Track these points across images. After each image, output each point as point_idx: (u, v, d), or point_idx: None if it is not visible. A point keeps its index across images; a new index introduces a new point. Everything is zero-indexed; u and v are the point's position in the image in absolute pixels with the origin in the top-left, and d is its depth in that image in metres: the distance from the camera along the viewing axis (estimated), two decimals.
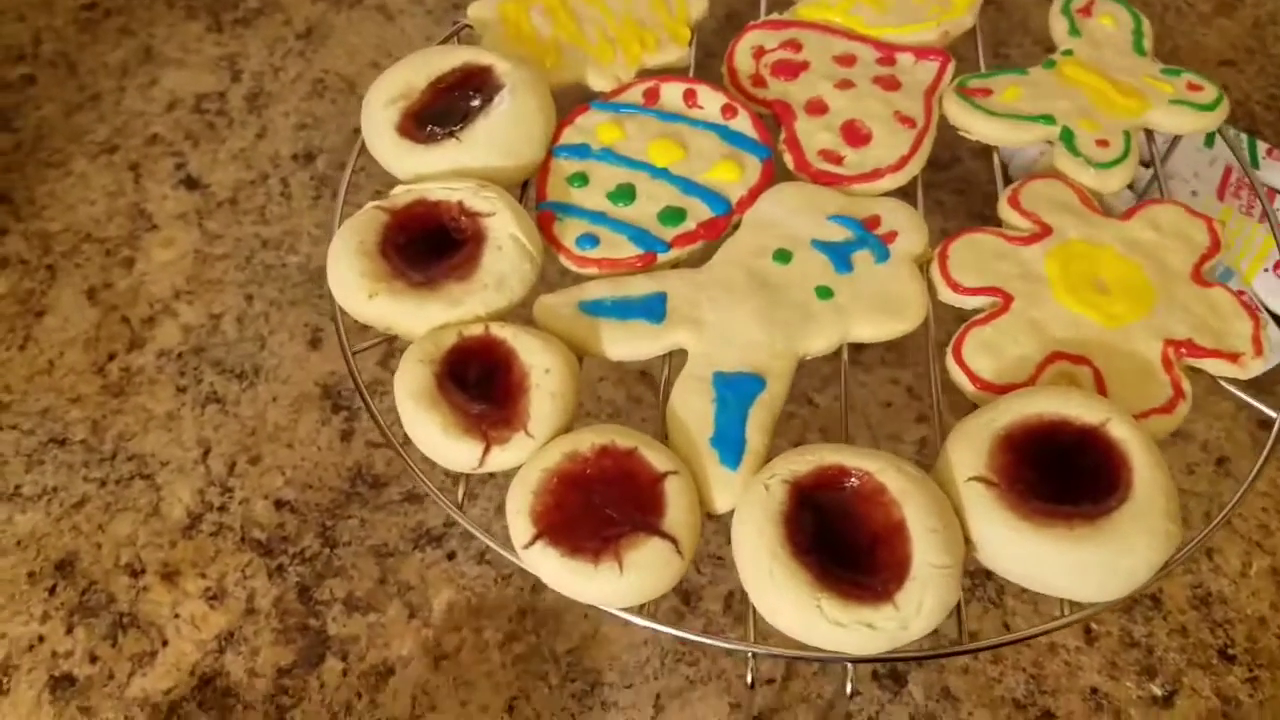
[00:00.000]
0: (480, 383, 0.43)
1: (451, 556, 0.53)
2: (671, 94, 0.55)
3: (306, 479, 0.56)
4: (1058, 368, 0.44)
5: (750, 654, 0.41)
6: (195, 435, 0.58)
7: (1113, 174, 0.51)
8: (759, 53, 0.57)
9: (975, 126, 0.53)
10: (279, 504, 0.55)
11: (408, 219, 0.48)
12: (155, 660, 0.50)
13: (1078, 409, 0.40)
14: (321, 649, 0.51)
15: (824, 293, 0.47)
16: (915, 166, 0.52)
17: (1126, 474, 0.39)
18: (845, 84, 0.54)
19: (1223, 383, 0.46)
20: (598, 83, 0.56)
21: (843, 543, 0.39)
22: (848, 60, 0.55)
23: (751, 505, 0.39)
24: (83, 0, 0.79)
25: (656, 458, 0.41)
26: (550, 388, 0.42)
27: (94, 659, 0.50)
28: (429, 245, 0.47)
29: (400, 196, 0.48)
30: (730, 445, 0.42)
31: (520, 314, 0.46)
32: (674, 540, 0.39)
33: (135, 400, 0.59)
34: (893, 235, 0.48)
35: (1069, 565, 0.38)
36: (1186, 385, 0.44)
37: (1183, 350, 0.45)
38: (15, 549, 0.54)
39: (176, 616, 0.52)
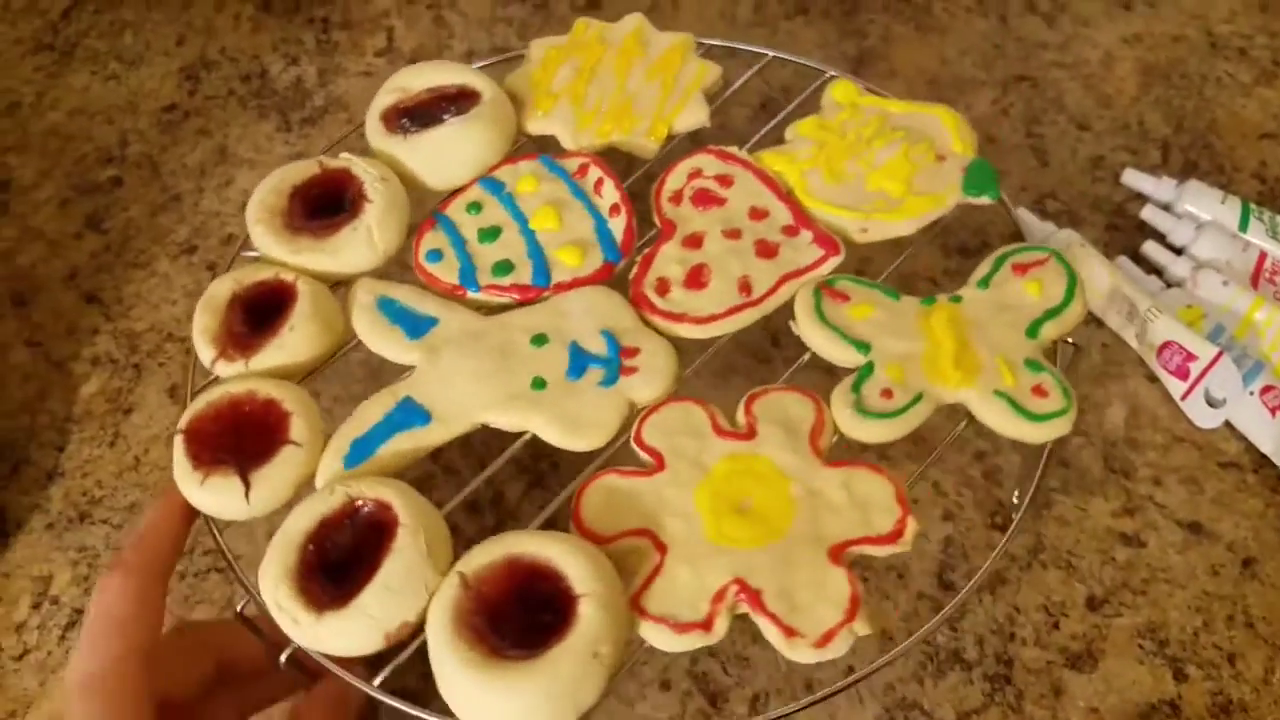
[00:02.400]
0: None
1: None
2: (591, 175, 0.58)
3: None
4: (725, 604, 0.43)
5: None
6: (266, 529, 0.62)
7: (868, 424, 0.47)
8: (694, 174, 0.58)
9: (801, 326, 0.51)
10: None
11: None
12: None
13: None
14: None
15: (538, 383, 0.50)
16: (719, 329, 0.52)
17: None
18: (734, 233, 0.55)
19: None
20: (566, 142, 0.61)
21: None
22: (759, 214, 0.56)
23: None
24: (164, 102, 0.85)
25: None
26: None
27: None
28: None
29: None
30: (359, 451, 0.49)
31: None
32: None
33: None
34: (633, 370, 0.50)
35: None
36: (859, 585, 0.43)
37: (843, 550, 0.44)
38: None
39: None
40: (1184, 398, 0.61)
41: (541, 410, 0.49)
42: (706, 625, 0.42)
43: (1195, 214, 0.67)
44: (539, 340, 0.52)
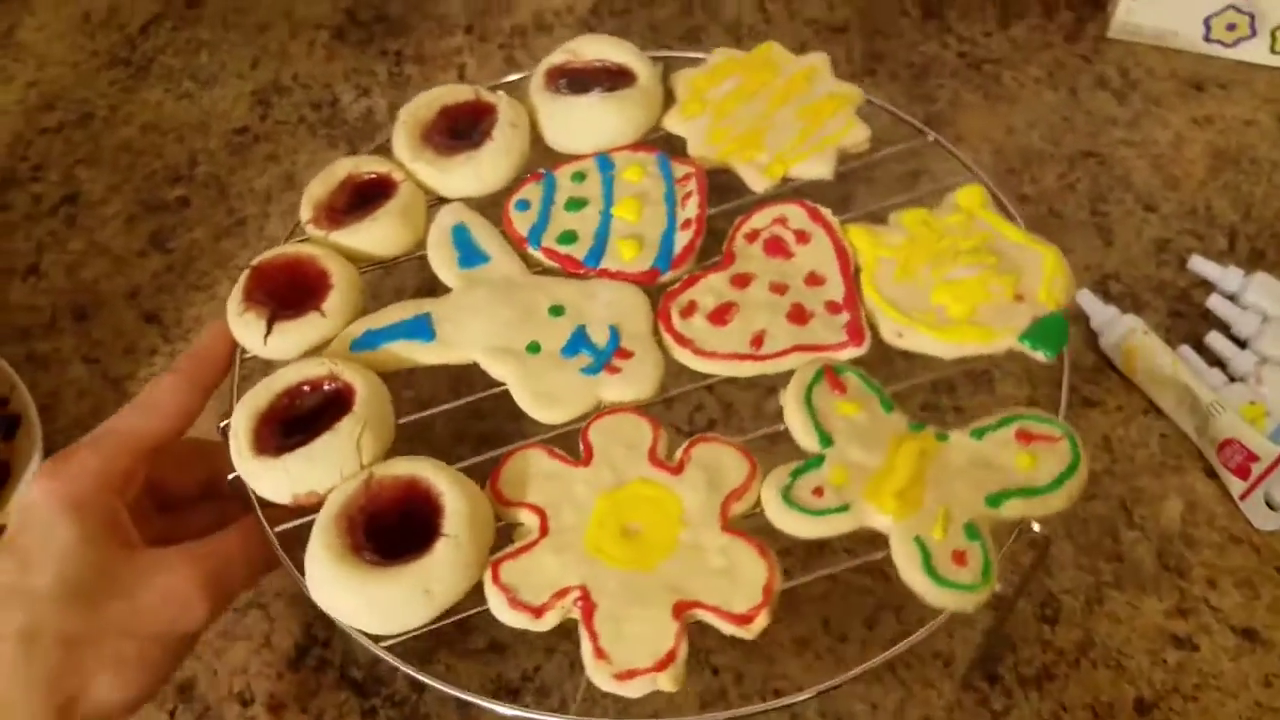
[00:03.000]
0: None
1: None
2: (689, 187, 0.59)
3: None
4: (563, 602, 0.45)
5: None
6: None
7: (786, 513, 0.47)
8: (779, 220, 0.58)
9: (786, 395, 0.50)
10: (376, 640, 0.59)
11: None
12: None
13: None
14: None
15: (533, 347, 0.53)
16: (715, 368, 0.53)
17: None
18: (780, 288, 0.55)
19: None
20: (690, 149, 0.61)
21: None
22: (815, 280, 0.55)
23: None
24: (235, 124, 0.86)
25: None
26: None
27: None
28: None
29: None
30: (368, 340, 0.54)
31: None
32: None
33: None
34: (616, 371, 0.52)
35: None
36: (684, 646, 0.44)
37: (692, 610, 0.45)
38: None
39: None
40: (1243, 497, 0.60)
41: (523, 371, 0.52)
42: (538, 612, 0.45)
43: (1262, 307, 0.66)
44: (556, 310, 0.55)
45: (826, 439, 0.49)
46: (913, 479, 0.47)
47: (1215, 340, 0.65)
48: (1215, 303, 0.67)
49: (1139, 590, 0.58)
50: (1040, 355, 0.51)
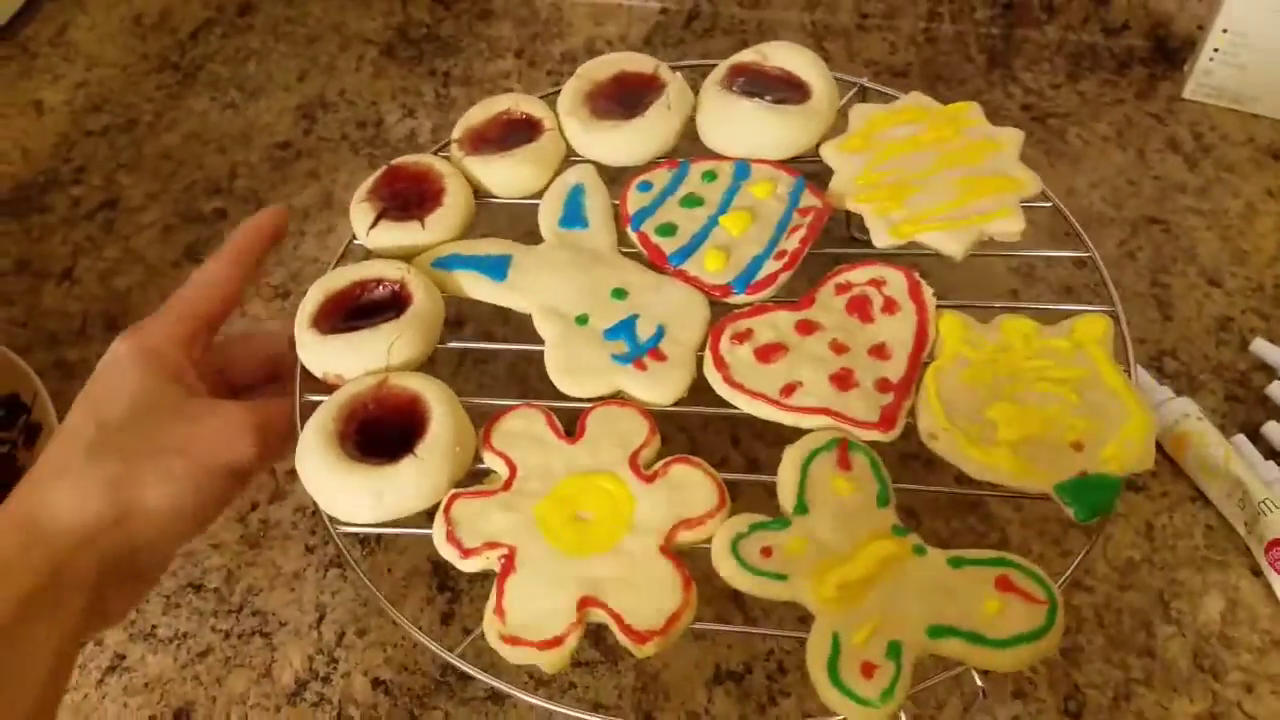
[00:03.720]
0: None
1: None
2: (805, 221, 0.58)
3: (404, 660, 0.58)
4: (490, 554, 0.48)
5: None
6: (314, 599, 0.61)
7: (727, 560, 0.46)
8: (876, 282, 0.56)
9: (788, 454, 0.50)
10: (375, 683, 0.58)
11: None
12: None
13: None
14: None
15: (581, 319, 0.55)
16: (736, 399, 0.52)
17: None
18: (841, 348, 0.53)
19: None
20: (832, 183, 0.60)
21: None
22: (881, 353, 0.53)
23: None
24: (278, 139, 0.85)
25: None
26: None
27: None
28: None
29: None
30: (450, 261, 0.59)
31: None
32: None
33: (267, 554, 0.63)
34: (643, 368, 0.53)
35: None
36: (575, 637, 0.45)
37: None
38: (143, 690, 0.58)
39: None
40: None
41: (563, 338, 0.55)
42: (465, 553, 0.48)
43: None
44: (619, 293, 0.56)
45: (803, 507, 0.47)
46: (861, 580, 0.45)
47: (1273, 431, 0.62)
48: (1277, 390, 0.63)
49: (1170, 690, 0.55)
50: (1072, 513, 0.47)
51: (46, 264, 0.78)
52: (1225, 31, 0.75)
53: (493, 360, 0.69)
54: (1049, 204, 0.59)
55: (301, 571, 0.62)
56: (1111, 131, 0.79)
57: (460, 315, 0.69)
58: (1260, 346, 0.65)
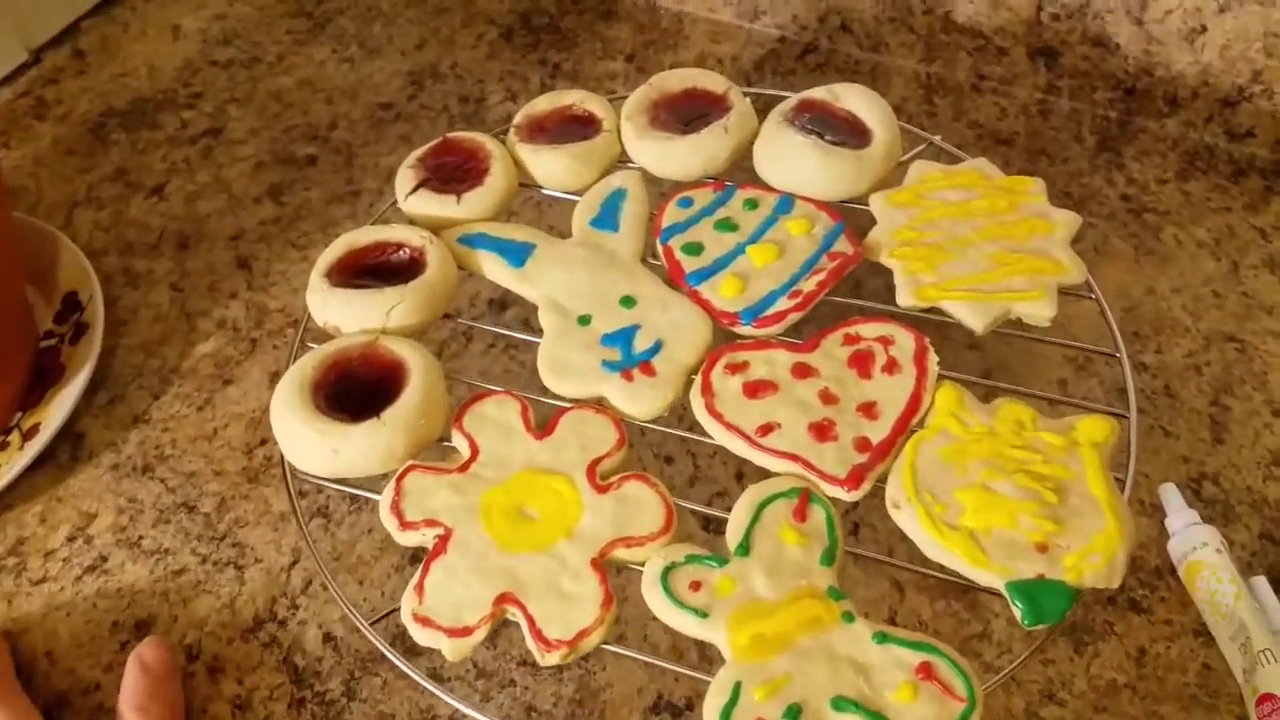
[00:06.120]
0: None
1: None
2: (830, 266, 0.58)
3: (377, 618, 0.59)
4: (427, 531, 0.49)
5: None
6: (293, 543, 0.62)
7: (653, 590, 0.46)
8: (884, 340, 0.55)
9: (744, 496, 0.49)
10: (327, 637, 0.59)
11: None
12: None
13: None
14: None
15: (584, 320, 0.56)
16: (711, 429, 0.52)
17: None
18: (830, 399, 0.52)
19: None
20: (872, 234, 0.60)
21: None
22: (870, 411, 0.51)
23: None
24: (383, 99, 0.88)
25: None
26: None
27: None
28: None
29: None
30: (475, 240, 0.61)
31: None
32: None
33: (262, 491, 0.65)
34: (630, 379, 0.53)
35: None
36: (484, 630, 0.46)
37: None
38: (114, 595, 0.61)
39: (203, 713, 0.56)
40: None
41: (559, 333, 0.55)
42: (404, 526, 0.49)
43: None
44: (627, 301, 0.57)
45: (745, 549, 0.47)
46: (783, 634, 0.44)
47: None
48: None
49: None
50: (1019, 614, 0.45)
51: (142, 177, 0.82)
52: None
53: (525, 350, 0.69)
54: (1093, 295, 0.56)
55: (288, 514, 0.63)
56: (1209, 238, 0.75)
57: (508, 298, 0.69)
58: None
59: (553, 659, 0.44)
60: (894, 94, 0.85)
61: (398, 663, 0.48)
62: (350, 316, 0.55)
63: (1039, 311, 0.53)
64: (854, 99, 0.63)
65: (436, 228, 0.60)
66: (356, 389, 0.53)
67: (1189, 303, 0.72)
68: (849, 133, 0.62)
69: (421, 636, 0.45)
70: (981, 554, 0.45)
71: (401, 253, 0.58)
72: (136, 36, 0.95)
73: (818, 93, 0.64)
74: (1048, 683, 0.55)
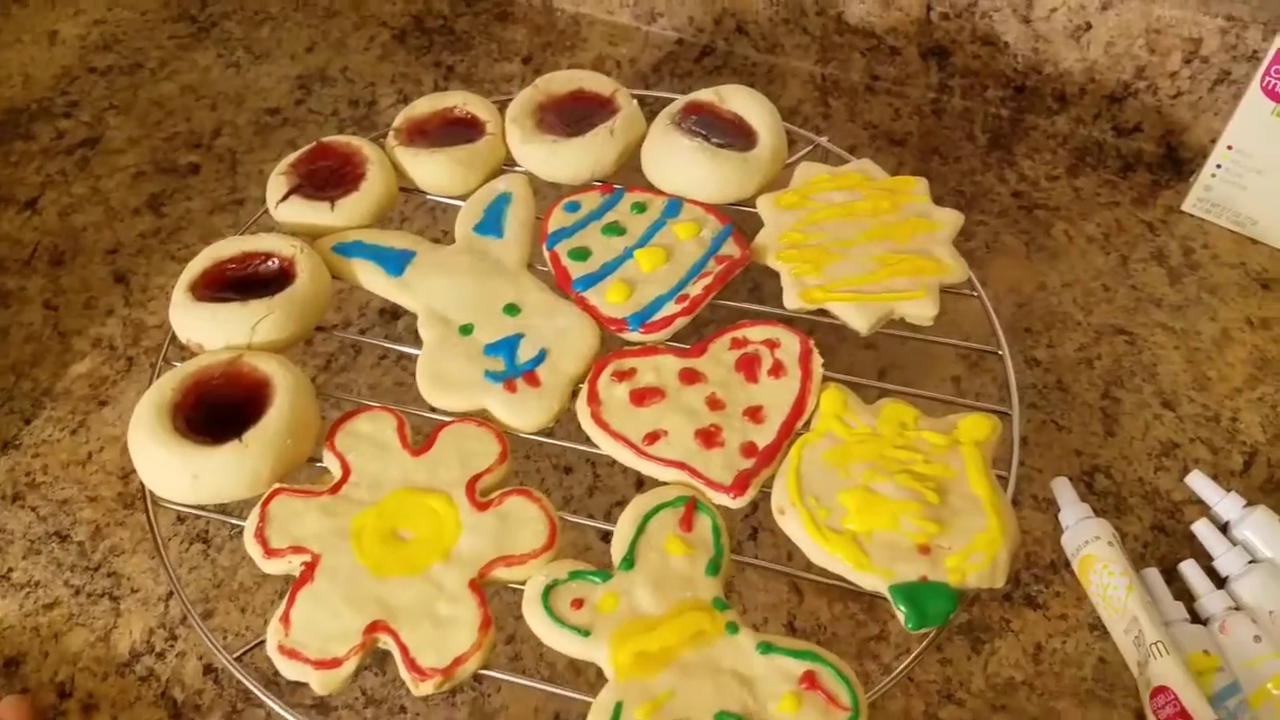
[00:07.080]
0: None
1: None
2: (719, 269, 0.58)
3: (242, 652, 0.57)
4: (293, 558, 0.47)
5: None
6: (171, 571, 0.60)
7: (533, 608, 0.46)
8: (770, 343, 0.54)
9: (627, 512, 0.49)
10: (207, 669, 0.56)
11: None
12: None
13: None
14: None
15: (466, 329, 0.55)
16: (595, 436, 0.52)
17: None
18: (717, 404, 0.52)
19: None
20: (759, 236, 0.59)
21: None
22: (756, 415, 0.51)
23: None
24: (270, 104, 0.85)
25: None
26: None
27: None
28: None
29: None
30: (351, 249, 0.59)
31: None
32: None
33: (139, 517, 0.62)
34: (514, 390, 0.52)
35: None
36: (354, 662, 0.44)
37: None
38: None
39: None
40: None
41: (439, 344, 0.54)
42: (269, 553, 0.48)
43: (1253, 545, 0.58)
44: (511, 309, 0.55)
45: (629, 562, 0.46)
46: (666, 650, 0.43)
47: (1190, 570, 0.58)
48: (1202, 529, 0.59)
49: None
50: (902, 617, 0.45)
51: (14, 190, 0.79)
52: (1230, 148, 0.71)
53: (382, 353, 0.67)
54: (976, 294, 0.56)
55: (167, 541, 0.61)
56: (1099, 233, 0.76)
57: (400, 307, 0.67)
58: (1196, 480, 0.61)
59: (426, 688, 0.43)
60: (790, 95, 0.85)
61: (267, 700, 0.46)
62: (214, 332, 0.53)
63: (921, 311, 0.53)
64: (740, 101, 0.62)
65: (312, 236, 0.58)
66: (219, 410, 0.50)
67: (1079, 297, 0.72)
68: (735, 135, 0.61)
69: (288, 670, 0.43)
70: (865, 557, 0.45)
71: (270, 263, 0.56)
72: (10, 43, 0.91)
73: (704, 95, 0.63)
74: (946, 683, 0.55)
